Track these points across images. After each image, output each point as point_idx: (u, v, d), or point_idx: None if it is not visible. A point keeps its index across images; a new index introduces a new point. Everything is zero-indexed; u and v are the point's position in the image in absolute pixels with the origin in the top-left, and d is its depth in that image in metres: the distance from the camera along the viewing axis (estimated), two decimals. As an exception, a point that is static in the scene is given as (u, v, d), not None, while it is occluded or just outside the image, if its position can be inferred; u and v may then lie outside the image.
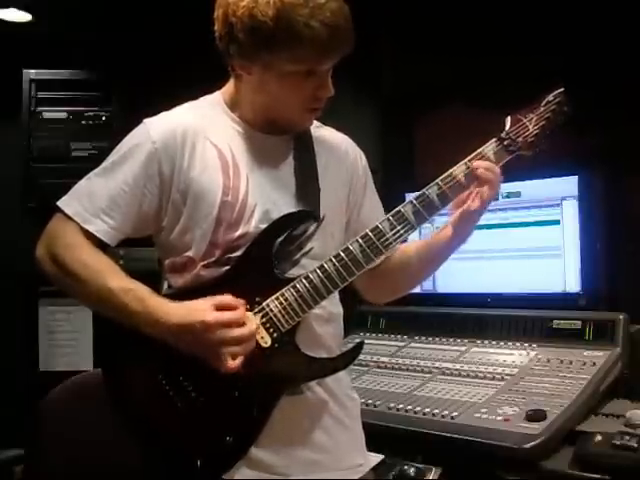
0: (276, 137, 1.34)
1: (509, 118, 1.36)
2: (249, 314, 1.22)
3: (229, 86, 1.35)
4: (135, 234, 1.31)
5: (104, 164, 1.30)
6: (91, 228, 1.25)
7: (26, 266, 2.61)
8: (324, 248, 1.33)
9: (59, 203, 1.28)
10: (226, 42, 1.22)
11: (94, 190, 1.27)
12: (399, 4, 2.45)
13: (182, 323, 1.17)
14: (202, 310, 1.17)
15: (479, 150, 1.33)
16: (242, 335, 1.17)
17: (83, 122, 2.68)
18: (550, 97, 1.37)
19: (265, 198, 1.29)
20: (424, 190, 1.30)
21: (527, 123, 1.35)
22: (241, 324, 1.18)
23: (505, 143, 1.33)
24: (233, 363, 1.16)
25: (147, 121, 1.31)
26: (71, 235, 1.25)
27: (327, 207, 1.33)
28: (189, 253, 1.29)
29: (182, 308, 1.19)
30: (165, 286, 1.36)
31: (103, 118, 2.69)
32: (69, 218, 1.26)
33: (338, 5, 1.18)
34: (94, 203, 1.26)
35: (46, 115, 2.67)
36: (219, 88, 1.38)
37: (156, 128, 1.28)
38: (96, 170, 1.30)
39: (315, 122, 1.41)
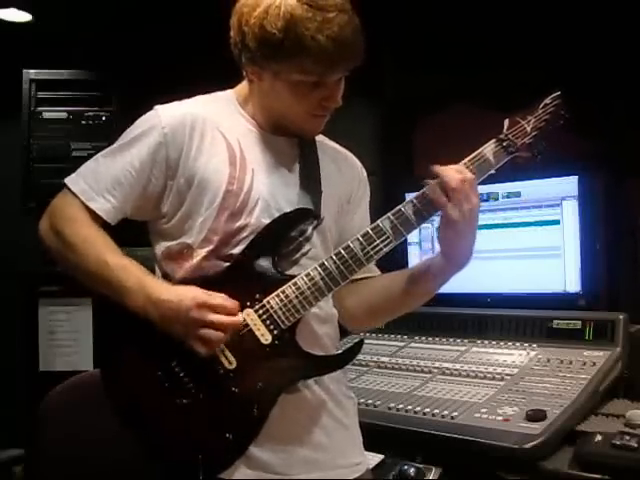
0: (284, 139, 1.36)
1: (507, 120, 1.36)
2: (250, 312, 1.23)
3: (243, 86, 1.38)
4: (133, 216, 1.34)
5: (113, 146, 1.33)
6: (93, 206, 1.28)
7: (26, 266, 2.64)
8: (322, 250, 1.34)
9: (66, 180, 1.32)
10: (239, 49, 1.26)
11: (100, 170, 1.31)
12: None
13: (171, 299, 1.19)
14: (194, 290, 1.20)
15: (479, 150, 1.33)
16: (222, 321, 1.18)
17: (83, 122, 2.68)
18: (547, 100, 1.38)
19: (268, 193, 1.31)
20: (424, 189, 1.30)
21: (525, 125, 1.35)
22: (228, 313, 1.19)
23: (504, 144, 1.33)
24: (206, 347, 1.18)
25: (158, 107, 1.33)
26: (74, 211, 1.29)
27: (327, 210, 1.35)
28: (186, 239, 1.30)
29: (176, 288, 1.23)
30: (159, 274, 1.35)
31: (103, 118, 2.68)
32: (74, 195, 1.29)
33: (347, 19, 1.19)
34: (99, 182, 1.29)
35: (46, 115, 2.67)
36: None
37: (167, 114, 1.31)
38: (104, 151, 1.33)
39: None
